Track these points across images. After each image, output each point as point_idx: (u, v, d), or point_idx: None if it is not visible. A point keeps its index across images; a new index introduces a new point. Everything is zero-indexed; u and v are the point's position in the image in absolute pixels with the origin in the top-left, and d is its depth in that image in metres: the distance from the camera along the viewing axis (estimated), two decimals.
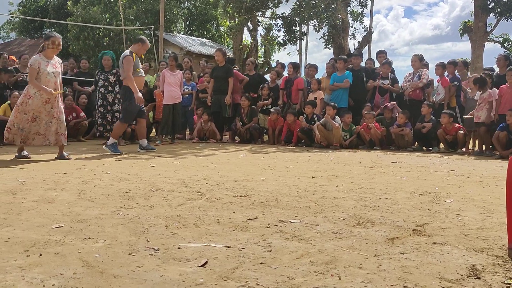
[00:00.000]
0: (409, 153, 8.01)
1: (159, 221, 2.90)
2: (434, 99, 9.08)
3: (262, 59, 25.13)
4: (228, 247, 2.37)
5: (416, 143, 8.68)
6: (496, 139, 7.33)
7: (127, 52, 7.33)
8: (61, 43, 6.06)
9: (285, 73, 10.39)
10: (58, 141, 6.13)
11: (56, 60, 6.14)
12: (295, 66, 9.92)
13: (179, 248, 2.34)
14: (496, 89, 7.95)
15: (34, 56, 6.04)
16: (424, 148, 8.62)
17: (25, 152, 6.21)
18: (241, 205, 3.42)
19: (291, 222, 2.94)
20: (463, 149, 8.15)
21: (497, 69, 9.10)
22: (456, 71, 9.20)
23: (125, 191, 3.91)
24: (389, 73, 9.27)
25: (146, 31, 21.65)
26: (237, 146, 8.93)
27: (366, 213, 3.24)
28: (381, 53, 10.18)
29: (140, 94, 7.24)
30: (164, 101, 8.96)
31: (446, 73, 9.01)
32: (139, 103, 7.34)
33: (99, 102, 8.68)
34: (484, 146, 7.96)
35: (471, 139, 8.59)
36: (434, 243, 2.53)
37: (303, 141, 9.14)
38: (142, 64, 7.95)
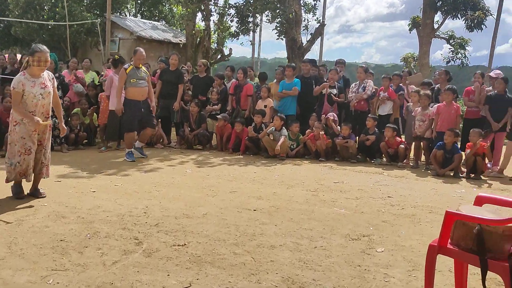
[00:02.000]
0: (352, 166, 8.22)
1: None
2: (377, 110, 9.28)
3: (215, 45, 24.84)
4: None
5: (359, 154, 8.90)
6: (434, 157, 7.65)
7: (126, 65, 8.01)
8: (49, 59, 4.95)
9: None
10: (40, 173, 5.20)
11: (46, 76, 5.03)
12: (245, 71, 9.87)
13: None
14: (436, 105, 8.26)
15: (18, 76, 4.90)
16: (367, 159, 8.86)
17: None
18: (177, 263, 3.43)
19: None
20: (404, 162, 8.44)
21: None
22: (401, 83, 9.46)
23: (59, 238, 3.83)
24: (336, 82, 9.38)
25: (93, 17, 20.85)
26: (184, 154, 8.86)
27: (299, 273, 3.33)
28: (340, 64, 10.15)
29: (120, 106, 7.86)
30: (111, 107, 8.74)
31: (391, 85, 9.24)
32: (118, 113, 7.97)
33: None
34: (420, 159, 8.34)
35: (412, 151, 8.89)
36: None
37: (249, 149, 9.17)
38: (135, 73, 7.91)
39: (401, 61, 22.83)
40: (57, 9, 20.07)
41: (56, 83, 5.28)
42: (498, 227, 2.44)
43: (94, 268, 3.27)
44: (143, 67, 8.02)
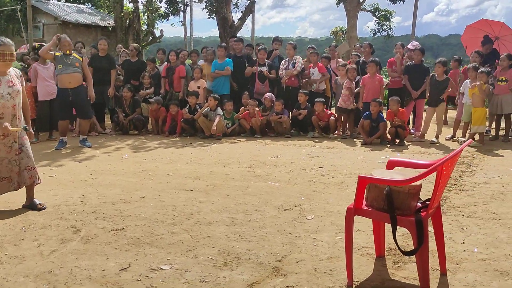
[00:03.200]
0: (286, 140, 8.50)
1: (28, 282, 2.92)
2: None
3: (146, 27, 24.33)
4: None
5: (293, 129, 9.20)
6: (361, 127, 8.08)
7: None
8: (14, 52, 4.32)
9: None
10: (26, 178, 4.49)
11: (13, 74, 4.40)
12: (177, 54, 9.85)
13: None
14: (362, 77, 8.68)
15: None
16: (301, 133, 9.19)
17: None
18: (116, 246, 3.53)
19: (162, 269, 3.12)
20: (335, 133, 8.83)
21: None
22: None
23: None
24: (266, 60, 9.58)
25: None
26: (119, 140, 8.80)
27: (234, 245, 3.53)
28: (277, 41, 10.34)
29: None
30: (40, 97, 8.48)
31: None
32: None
33: None
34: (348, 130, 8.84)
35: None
36: (287, 286, 2.88)
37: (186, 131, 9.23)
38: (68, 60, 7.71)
39: (330, 35, 23.41)
40: None
41: (24, 81, 4.65)
42: (404, 187, 2.73)
43: (31, 259, 3.30)
44: (74, 53, 7.82)
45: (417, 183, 2.78)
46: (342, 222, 3.98)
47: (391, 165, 3.20)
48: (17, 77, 4.45)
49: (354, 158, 6.86)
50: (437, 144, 7.88)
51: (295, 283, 2.91)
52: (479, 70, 7.64)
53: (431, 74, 8.14)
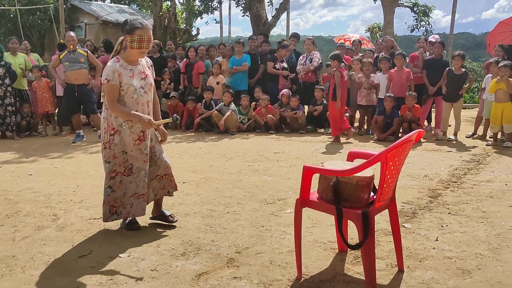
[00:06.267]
0: (300, 136, 8.40)
1: None
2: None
3: (184, 25, 24.66)
4: None
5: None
6: (375, 123, 7.86)
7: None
8: (152, 37, 3.48)
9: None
10: (161, 188, 3.80)
11: (144, 63, 3.66)
12: (196, 50, 9.93)
13: None
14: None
15: (110, 64, 3.48)
16: (317, 129, 9.05)
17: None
18: (86, 234, 3.59)
19: (120, 257, 3.15)
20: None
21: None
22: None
23: None
24: (283, 57, 9.51)
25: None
26: None
27: (200, 236, 3.51)
28: (294, 38, 10.35)
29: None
30: (58, 93, 8.80)
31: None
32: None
33: None
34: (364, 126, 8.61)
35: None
36: (235, 277, 2.83)
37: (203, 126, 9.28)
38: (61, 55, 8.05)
39: (366, 31, 22.95)
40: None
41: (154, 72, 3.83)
42: (352, 178, 2.62)
43: (2, 244, 3.41)
44: (79, 49, 8.03)
45: (368, 174, 2.67)
46: (318, 217, 3.91)
47: (351, 156, 3.08)
48: (149, 67, 3.70)
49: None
50: (454, 142, 7.54)
51: (245, 274, 2.86)
52: (501, 64, 7.24)
53: (448, 68, 7.78)
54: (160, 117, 3.79)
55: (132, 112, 3.43)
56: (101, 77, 4.05)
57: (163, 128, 3.77)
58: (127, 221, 3.71)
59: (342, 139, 7.82)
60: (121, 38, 3.51)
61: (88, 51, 8.29)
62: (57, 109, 9.39)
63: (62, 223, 3.85)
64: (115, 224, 3.79)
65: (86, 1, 25.26)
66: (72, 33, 8.00)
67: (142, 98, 3.52)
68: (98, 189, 4.90)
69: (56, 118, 9.33)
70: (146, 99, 3.55)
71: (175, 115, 3.67)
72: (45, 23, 21.78)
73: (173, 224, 3.76)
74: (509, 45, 8.21)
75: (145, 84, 3.54)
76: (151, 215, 3.84)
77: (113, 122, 3.50)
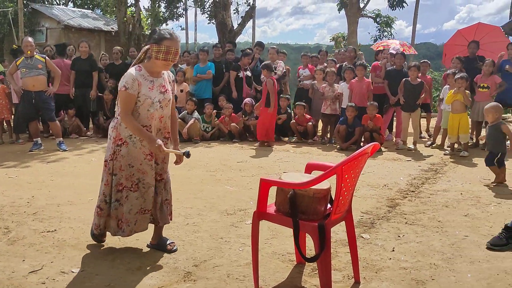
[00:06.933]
0: (264, 145, 8.41)
1: None
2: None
3: (148, 31, 24.41)
4: None
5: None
6: (337, 132, 7.96)
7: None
8: (179, 51, 3.34)
9: None
10: (166, 215, 3.55)
11: (166, 77, 3.42)
12: None
13: None
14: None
15: (130, 71, 3.23)
16: (281, 137, 9.09)
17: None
18: (39, 248, 3.47)
19: (72, 272, 3.06)
20: (314, 139, 8.70)
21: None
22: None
23: None
24: (247, 66, 9.55)
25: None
26: (97, 143, 8.78)
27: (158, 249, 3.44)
28: (258, 46, 10.36)
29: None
30: (14, 100, 8.53)
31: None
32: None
33: None
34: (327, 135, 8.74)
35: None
36: None
37: None
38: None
39: (330, 41, 23.29)
40: None
41: (175, 86, 3.69)
42: (309, 190, 2.62)
43: None
44: (37, 55, 7.81)
45: (324, 186, 2.68)
46: (278, 227, 3.90)
47: (309, 168, 3.10)
48: (170, 82, 3.46)
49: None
50: (413, 151, 7.70)
51: None
52: (458, 76, 7.45)
53: (404, 79, 7.94)
54: (178, 137, 3.61)
55: (145, 131, 3.20)
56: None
57: (179, 149, 3.55)
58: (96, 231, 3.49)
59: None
60: (147, 46, 3.28)
61: (46, 57, 8.06)
62: (13, 116, 9.08)
63: (13, 237, 3.71)
64: (71, 237, 3.68)
65: (47, 5, 24.69)
66: (29, 38, 7.77)
67: (156, 112, 3.28)
68: (54, 200, 4.77)
69: (12, 125, 9.01)
70: (160, 114, 3.32)
71: (187, 150, 3.36)
72: (4, 27, 21.17)
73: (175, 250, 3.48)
74: (466, 57, 8.45)
75: (163, 99, 3.31)
76: (150, 243, 3.59)
77: (121, 132, 3.28)
